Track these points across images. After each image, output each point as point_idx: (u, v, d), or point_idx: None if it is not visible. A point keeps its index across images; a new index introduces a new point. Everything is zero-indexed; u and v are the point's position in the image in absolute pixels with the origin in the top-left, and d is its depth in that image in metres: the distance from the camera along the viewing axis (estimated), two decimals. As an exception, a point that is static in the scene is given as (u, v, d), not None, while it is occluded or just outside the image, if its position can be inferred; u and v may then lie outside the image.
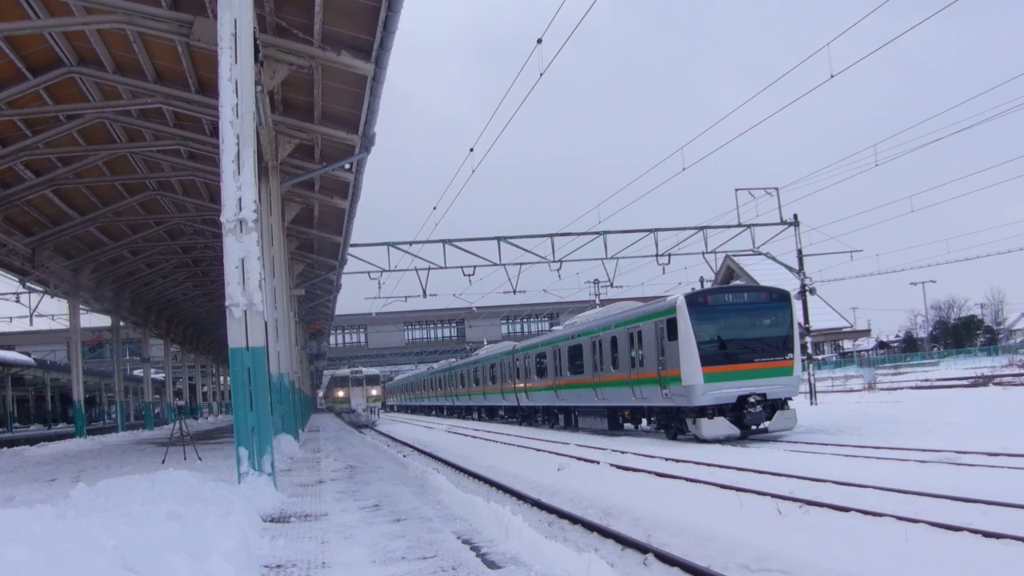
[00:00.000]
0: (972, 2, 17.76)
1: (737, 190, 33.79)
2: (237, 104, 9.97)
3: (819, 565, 6.82)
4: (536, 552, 6.12)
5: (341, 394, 53.52)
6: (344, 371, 56.89)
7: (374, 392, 52.59)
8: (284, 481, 11.94)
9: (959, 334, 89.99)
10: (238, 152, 9.90)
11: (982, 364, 58.46)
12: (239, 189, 9.86)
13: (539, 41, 16.66)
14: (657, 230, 35.00)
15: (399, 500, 9.90)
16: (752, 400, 19.61)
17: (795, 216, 34.70)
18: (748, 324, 20.55)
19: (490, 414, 43.81)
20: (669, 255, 35.63)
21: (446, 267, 34.17)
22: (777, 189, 34.08)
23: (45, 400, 61.09)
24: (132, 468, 15.07)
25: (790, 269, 36.81)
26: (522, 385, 34.58)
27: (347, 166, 21.07)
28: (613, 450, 18.71)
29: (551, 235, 34.17)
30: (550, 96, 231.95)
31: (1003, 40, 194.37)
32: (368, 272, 34.68)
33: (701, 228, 35.19)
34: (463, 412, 50.71)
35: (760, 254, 39.93)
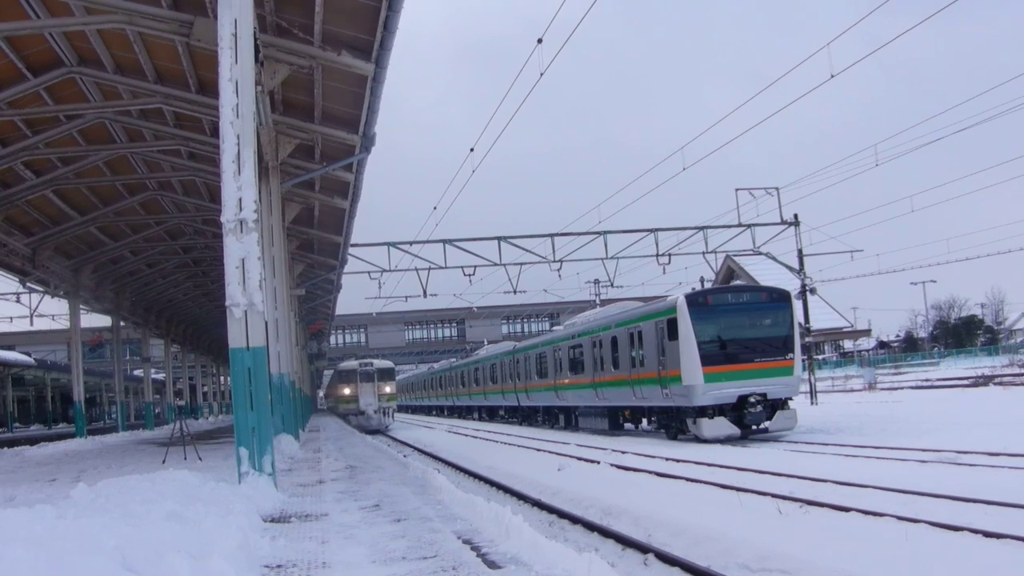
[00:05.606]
0: (955, 7, 17.74)
1: (737, 190, 33.88)
2: (237, 104, 9.97)
3: (819, 565, 6.82)
4: (536, 552, 6.11)
5: (347, 392, 43.44)
6: (351, 363, 44.44)
7: (388, 389, 42.24)
8: (284, 481, 11.93)
9: (959, 334, 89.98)
10: (238, 152, 9.90)
11: (982, 364, 58.50)
12: (239, 189, 9.86)
13: (539, 41, 16.70)
14: (657, 230, 35.01)
15: (399, 500, 9.89)
16: (752, 400, 19.63)
17: (795, 216, 34.73)
18: (748, 324, 20.57)
19: (490, 414, 43.80)
20: (669, 255, 35.64)
21: (446, 267, 34.19)
22: (777, 189, 34.15)
23: (45, 400, 61.12)
24: (132, 468, 15.06)
25: (790, 269, 36.84)
26: (522, 385, 34.59)
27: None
28: (613, 450, 18.71)
29: (551, 235, 34.18)
30: (548, 96, 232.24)
31: (985, 43, 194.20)
32: (368, 272, 34.71)
33: (701, 228, 35.18)
34: (463, 412, 50.68)
35: (760, 254, 40.02)
